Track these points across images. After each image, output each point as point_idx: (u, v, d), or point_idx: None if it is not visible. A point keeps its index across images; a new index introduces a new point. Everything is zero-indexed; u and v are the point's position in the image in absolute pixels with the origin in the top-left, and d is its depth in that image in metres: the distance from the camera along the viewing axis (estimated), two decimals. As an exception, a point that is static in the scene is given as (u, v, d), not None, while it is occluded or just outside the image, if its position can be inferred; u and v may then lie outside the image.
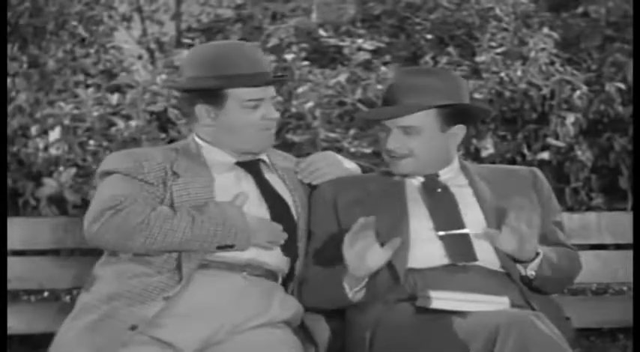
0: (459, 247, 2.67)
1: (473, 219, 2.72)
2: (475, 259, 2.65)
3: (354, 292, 2.62)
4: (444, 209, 2.73)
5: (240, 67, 2.73)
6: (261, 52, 2.84)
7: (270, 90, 2.79)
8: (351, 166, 2.95)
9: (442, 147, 2.78)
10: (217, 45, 2.87)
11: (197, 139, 2.82)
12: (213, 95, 2.75)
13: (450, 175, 2.81)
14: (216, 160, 2.78)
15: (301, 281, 2.77)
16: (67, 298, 4.22)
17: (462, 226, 2.70)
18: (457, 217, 2.71)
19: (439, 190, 2.77)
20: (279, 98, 4.91)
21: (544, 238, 2.73)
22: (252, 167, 2.80)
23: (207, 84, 2.73)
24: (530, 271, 2.65)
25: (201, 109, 2.76)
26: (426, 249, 2.67)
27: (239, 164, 2.79)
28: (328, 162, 2.91)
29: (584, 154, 5.02)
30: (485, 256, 2.67)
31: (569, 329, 2.70)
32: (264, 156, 2.85)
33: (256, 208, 2.71)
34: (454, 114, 2.76)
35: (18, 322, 3.07)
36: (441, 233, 2.68)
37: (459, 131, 2.80)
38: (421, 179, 2.80)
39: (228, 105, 2.74)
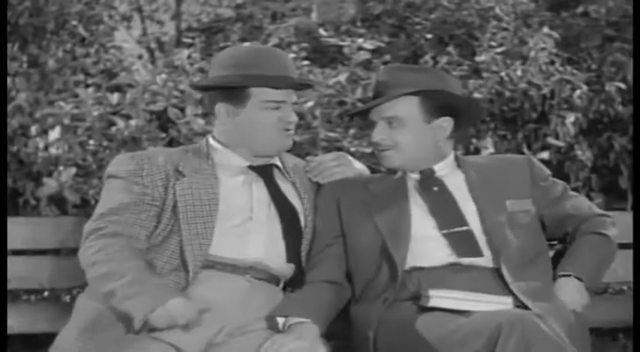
0: (464, 244, 2.67)
1: (470, 215, 2.73)
2: (481, 255, 2.66)
3: None
4: (444, 207, 2.74)
5: (264, 68, 2.75)
6: (289, 59, 2.86)
7: (292, 95, 2.80)
8: (360, 167, 2.96)
9: (428, 140, 2.79)
10: (247, 47, 2.93)
11: (211, 141, 2.84)
12: (235, 94, 2.76)
13: (446, 171, 2.82)
14: (225, 163, 2.79)
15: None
16: (67, 298, 4.21)
17: (465, 223, 2.70)
18: (458, 214, 2.72)
19: (435, 188, 2.77)
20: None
21: (560, 220, 2.81)
22: (264, 171, 2.80)
23: (231, 81, 2.76)
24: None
25: (220, 108, 2.78)
26: (429, 247, 2.67)
27: (252, 168, 2.79)
28: (338, 163, 2.92)
29: (584, 154, 5.01)
30: (490, 252, 2.67)
31: (584, 329, 2.71)
32: (277, 161, 2.86)
33: (267, 212, 2.72)
34: (439, 105, 2.77)
35: (18, 322, 3.07)
36: (445, 231, 2.68)
37: (445, 123, 2.80)
38: (417, 176, 2.80)
39: (248, 104, 2.76)
